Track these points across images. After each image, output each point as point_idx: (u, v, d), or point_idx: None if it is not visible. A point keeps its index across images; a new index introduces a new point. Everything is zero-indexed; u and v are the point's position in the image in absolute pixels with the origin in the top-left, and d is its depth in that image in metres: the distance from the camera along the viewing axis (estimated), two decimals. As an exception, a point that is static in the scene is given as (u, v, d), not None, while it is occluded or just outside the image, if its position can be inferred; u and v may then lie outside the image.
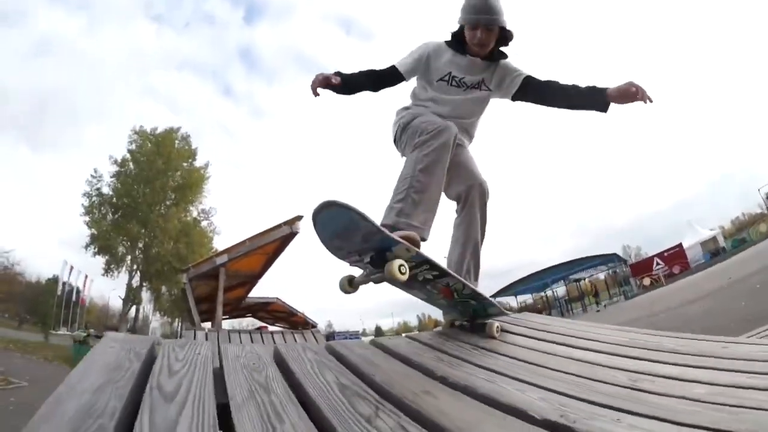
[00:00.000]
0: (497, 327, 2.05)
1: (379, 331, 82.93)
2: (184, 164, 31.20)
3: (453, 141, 2.19)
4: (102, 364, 1.09)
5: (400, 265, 1.66)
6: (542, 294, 38.80)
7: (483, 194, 2.49)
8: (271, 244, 14.41)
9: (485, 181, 2.51)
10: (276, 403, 0.99)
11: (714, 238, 32.55)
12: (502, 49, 2.44)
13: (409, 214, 1.98)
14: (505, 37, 2.38)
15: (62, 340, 19.95)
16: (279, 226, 13.84)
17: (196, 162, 31.87)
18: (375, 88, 2.51)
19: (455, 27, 2.45)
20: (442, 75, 2.44)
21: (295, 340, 6.90)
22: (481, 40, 2.31)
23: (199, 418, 0.85)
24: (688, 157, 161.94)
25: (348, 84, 2.37)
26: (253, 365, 1.25)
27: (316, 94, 2.28)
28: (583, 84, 2.33)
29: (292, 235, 13.85)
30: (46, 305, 32.29)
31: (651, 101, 2.13)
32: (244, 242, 14.14)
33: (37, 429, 0.77)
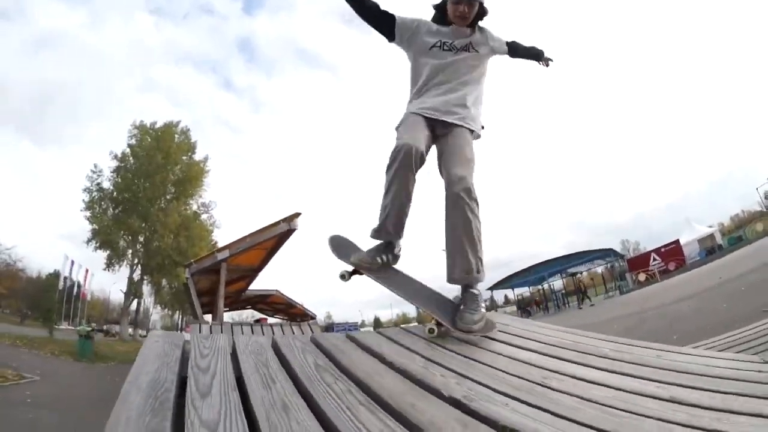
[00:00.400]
0: (429, 329, 2.38)
1: (377, 323, 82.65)
2: (184, 158, 31.40)
3: (413, 159, 2.42)
4: (155, 353, 1.62)
5: (342, 275, 2.78)
6: (539, 287, 39.21)
7: (455, 197, 2.34)
8: (270, 240, 14.93)
9: (461, 181, 2.36)
10: (272, 374, 1.52)
11: (711, 236, 33.06)
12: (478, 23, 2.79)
13: (382, 229, 2.63)
14: (482, 12, 2.71)
15: (65, 335, 20.34)
16: (278, 223, 14.37)
17: (196, 155, 32.13)
18: (360, 11, 2.76)
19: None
20: (434, 43, 2.70)
21: (293, 332, 7.44)
22: (463, 13, 2.63)
23: (225, 383, 1.38)
24: (691, 153, 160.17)
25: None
26: (257, 351, 1.79)
27: None
28: (528, 44, 3.00)
29: (290, 231, 14.37)
30: (49, 300, 32.58)
31: (547, 66, 3.03)
32: (244, 238, 14.66)
33: (129, 394, 1.27)
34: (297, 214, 14.26)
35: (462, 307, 2.36)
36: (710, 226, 36.39)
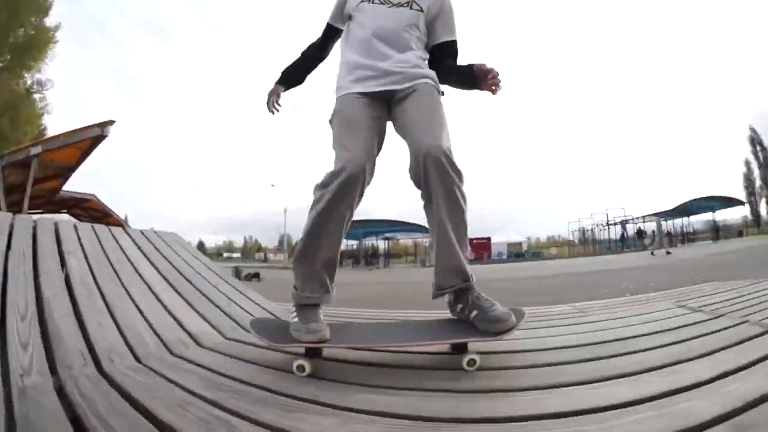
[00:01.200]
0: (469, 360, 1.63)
1: (200, 246, 77.12)
2: (33, 20, 26.73)
3: (359, 183, 1.77)
4: None
5: (299, 366, 1.63)
6: (355, 243, 43.21)
7: (438, 166, 1.71)
8: (84, 142, 15.28)
9: (439, 146, 1.72)
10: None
11: (519, 243, 43.30)
12: None
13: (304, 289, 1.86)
14: None
15: None
16: (92, 127, 14.74)
17: (48, 20, 27.36)
18: (322, 57, 2.26)
19: None
20: None
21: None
22: None
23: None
24: (564, 168, 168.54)
25: (296, 80, 2.26)
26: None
27: (275, 111, 2.20)
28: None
29: (102, 137, 14.89)
30: None
31: (493, 91, 1.91)
32: (58, 136, 14.96)
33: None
34: (111, 122, 14.76)
35: (476, 312, 1.73)
36: (528, 237, 48.64)
